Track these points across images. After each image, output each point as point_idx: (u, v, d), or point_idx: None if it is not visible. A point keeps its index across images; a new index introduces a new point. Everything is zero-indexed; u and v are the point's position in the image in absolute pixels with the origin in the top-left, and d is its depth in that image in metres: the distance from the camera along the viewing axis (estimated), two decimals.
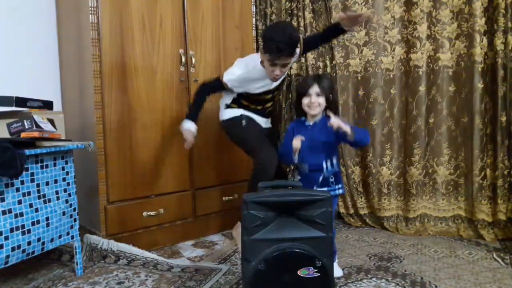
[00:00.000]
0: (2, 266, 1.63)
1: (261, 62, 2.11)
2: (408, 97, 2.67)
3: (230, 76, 2.16)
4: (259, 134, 2.22)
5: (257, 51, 2.98)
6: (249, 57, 2.32)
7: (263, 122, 2.38)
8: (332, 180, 1.93)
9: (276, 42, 1.89)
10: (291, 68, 2.96)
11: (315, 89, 1.91)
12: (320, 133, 1.92)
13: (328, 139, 1.91)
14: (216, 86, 2.21)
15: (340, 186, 1.96)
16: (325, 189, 1.90)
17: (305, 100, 1.92)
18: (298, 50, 2.02)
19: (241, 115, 2.25)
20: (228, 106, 2.29)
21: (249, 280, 1.46)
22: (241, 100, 2.26)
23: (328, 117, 1.84)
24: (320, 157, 1.91)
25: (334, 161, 1.94)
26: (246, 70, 2.15)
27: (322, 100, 1.91)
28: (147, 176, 2.39)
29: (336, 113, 1.94)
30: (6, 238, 1.64)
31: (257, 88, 2.20)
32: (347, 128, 1.78)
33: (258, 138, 2.17)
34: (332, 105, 1.96)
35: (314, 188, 1.91)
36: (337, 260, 2.02)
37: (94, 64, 2.20)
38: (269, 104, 2.35)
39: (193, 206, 2.60)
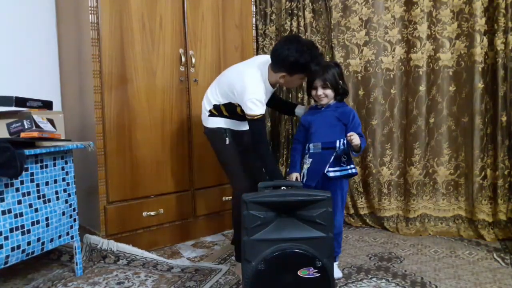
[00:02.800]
0: (2, 266, 1.63)
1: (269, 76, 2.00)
2: (408, 97, 2.67)
3: (258, 105, 1.88)
4: (239, 155, 2.05)
5: (257, 51, 2.98)
6: (253, 72, 1.97)
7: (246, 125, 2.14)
8: (344, 159, 1.96)
9: (315, 65, 1.88)
10: None
11: (319, 82, 1.97)
12: (332, 116, 2.00)
13: (338, 123, 1.99)
14: (263, 125, 1.98)
15: (352, 166, 1.99)
16: (337, 168, 1.94)
17: (313, 93, 2.02)
18: None
19: (225, 129, 2.05)
20: (210, 113, 2.08)
21: (249, 281, 1.45)
22: (221, 108, 2.06)
23: (340, 102, 2.03)
24: (333, 135, 1.98)
25: (345, 140, 1.96)
26: (259, 85, 1.93)
27: (328, 91, 1.98)
28: (147, 176, 2.39)
29: (343, 96, 2.04)
30: (6, 238, 1.64)
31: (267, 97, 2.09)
32: (357, 143, 1.86)
33: (238, 162, 2.03)
34: (341, 91, 2.02)
35: (327, 168, 1.95)
36: (338, 261, 2.02)
37: (94, 64, 2.20)
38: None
39: (193, 206, 2.60)
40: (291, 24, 2.95)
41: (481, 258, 2.14)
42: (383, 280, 1.90)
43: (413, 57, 2.62)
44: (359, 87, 2.80)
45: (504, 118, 2.39)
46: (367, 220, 2.80)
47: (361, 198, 2.83)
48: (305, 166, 2.03)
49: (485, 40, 2.42)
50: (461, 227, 2.55)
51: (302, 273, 1.45)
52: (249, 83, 1.89)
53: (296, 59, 1.85)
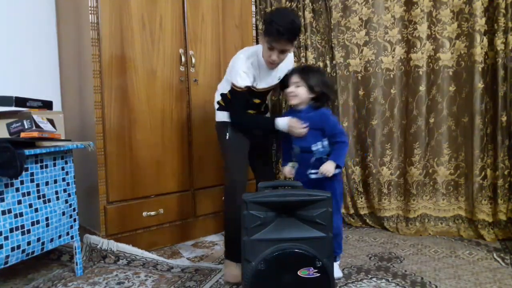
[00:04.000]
0: (2, 266, 1.63)
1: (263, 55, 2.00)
2: (408, 97, 2.67)
3: (238, 75, 1.96)
4: (239, 150, 2.07)
5: None
6: (244, 49, 2.11)
7: None
8: (325, 161, 1.89)
9: (277, 25, 1.82)
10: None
11: (294, 79, 1.92)
12: (305, 121, 1.92)
13: (312, 127, 1.92)
14: (238, 97, 2.01)
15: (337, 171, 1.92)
16: (317, 170, 1.88)
17: (286, 91, 1.98)
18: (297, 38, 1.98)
19: (227, 123, 2.08)
20: (219, 106, 2.15)
21: (249, 281, 1.45)
22: (227, 96, 2.09)
23: (314, 108, 1.93)
24: (307, 141, 1.92)
25: (325, 142, 1.91)
26: (246, 59, 1.98)
27: (301, 91, 1.90)
28: (147, 176, 2.39)
29: (322, 104, 1.95)
30: (6, 238, 1.64)
31: (258, 82, 2.05)
32: (330, 173, 1.83)
33: (235, 157, 2.05)
34: (322, 98, 1.94)
35: (309, 170, 1.92)
36: (339, 261, 2.02)
37: (94, 64, 2.20)
38: (253, 111, 2.16)
39: (193, 206, 2.60)
40: None
41: (481, 258, 2.14)
42: (383, 280, 1.90)
43: (413, 57, 2.62)
44: (359, 87, 2.80)
45: (504, 118, 2.39)
46: (367, 220, 2.80)
47: (361, 198, 2.83)
48: (295, 167, 2.05)
49: (485, 40, 2.42)
50: (461, 227, 2.55)
51: (302, 273, 1.45)
52: (236, 56, 2.04)
53: (266, 16, 1.88)
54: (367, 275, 1.97)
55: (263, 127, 2.13)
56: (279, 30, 1.82)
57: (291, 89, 1.93)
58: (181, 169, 2.54)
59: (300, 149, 1.96)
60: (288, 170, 2.07)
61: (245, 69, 1.96)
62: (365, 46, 2.74)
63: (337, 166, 1.86)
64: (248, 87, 2.01)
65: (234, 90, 1.99)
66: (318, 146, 1.92)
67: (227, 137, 2.07)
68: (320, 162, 1.89)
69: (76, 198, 2.01)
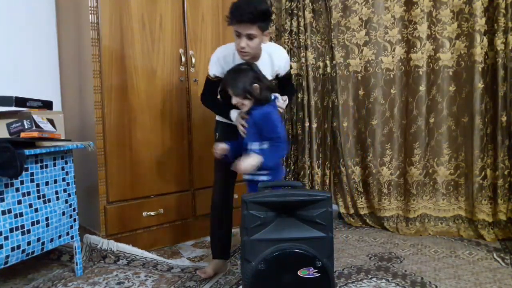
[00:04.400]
0: (2, 266, 1.63)
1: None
2: (408, 97, 2.67)
3: (211, 63, 1.99)
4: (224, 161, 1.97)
5: None
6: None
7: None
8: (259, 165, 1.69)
9: (237, 8, 1.78)
10: (291, 67, 2.95)
11: (230, 91, 1.78)
12: (250, 119, 1.79)
13: (252, 127, 1.78)
14: (208, 84, 2.04)
15: (264, 173, 1.72)
16: (247, 176, 1.74)
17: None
18: (265, 25, 1.83)
19: (218, 122, 2.09)
20: None
21: (249, 281, 1.45)
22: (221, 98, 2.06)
23: (249, 113, 1.78)
24: (247, 138, 1.80)
25: (265, 146, 1.72)
26: (224, 49, 1.98)
27: (241, 99, 1.74)
28: (147, 176, 2.39)
29: (266, 100, 1.76)
30: (6, 238, 1.64)
31: None
32: (243, 168, 1.66)
33: (222, 169, 1.99)
34: (257, 96, 1.74)
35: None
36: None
37: (93, 64, 2.20)
38: None
39: (193, 206, 2.60)
40: (291, 24, 2.95)
41: (481, 258, 2.14)
42: (383, 280, 1.90)
43: (413, 57, 2.62)
44: (359, 87, 2.80)
45: (504, 118, 2.39)
46: (367, 220, 2.80)
47: (361, 198, 2.83)
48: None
49: (485, 40, 2.42)
50: (461, 227, 2.55)
51: (302, 273, 1.45)
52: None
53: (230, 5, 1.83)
54: (367, 275, 1.97)
55: (223, 115, 2.05)
56: (239, 12, 1.76)
57: (234, 100, 1.77)
58: (181, 169, 2.54)
59: (244, 145, 1.82)
60: (221, 147, 1.86)
61: (215, 59, 1.97)
62: (365, 46, 2.74)
63: (263, 169, 1.67)
64: (219, 78, 1.96)
65: (207, 78, 2.02)
66: (253, 146, 1.75)
67: (216, 136, 2.08)
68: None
69: (76, 198, 2.01)
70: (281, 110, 1.92)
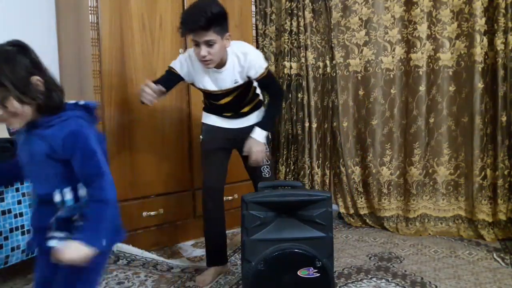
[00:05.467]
0: (2, 266, 1.63)
1: None
2: (408, 97, 2.67)
3: (179, 57, 1.93)
4: (212, 153, 1.99)
5: None
6: None
7: (233, 124, 2.00)
8: (78, 223, 1.07)
9: (188, 15, 1.70)
10: (290, 67, 2.96)
11: None
12: (39, 146, 1.04)
13: (51, 160, 1.05)
14: (164, 75, 1.94)
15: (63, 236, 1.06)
16: (63, 235, 1.07)
17: None
18: (222, 29, 1.72)
19: (203, 124, 2.04)
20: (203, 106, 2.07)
21: (249, 281, 1.45)
22: (204, 100, 2.02)
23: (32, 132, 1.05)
24: (47, 182, 1.08)
25: (81, 192, 1.10)
26: (193, 54, 1.83)
27: (10, 106, 0.99)
28: (147, 176, 2.39)
29: (49, 108, 1.04)
30: (6, 238, 1.64)
31: (200, 81, 1.90)
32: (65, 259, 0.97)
33: (208, 160, 1.99)
34: (43, 100, 1.02)
35: (49, 233, 1.07)
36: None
37: (93, 64, 2.20)
38: (228, 114, 1.99)
39: (193, 206, 2.59)
40: (291, 24, 2.95)
41: (481, 258, 2.14)
42: (383, 280, 1.90)
43: (413, 57, 2.62)
44: (359, 87, 2.80)
45: (504, 118, 2.39)
46: (367, 220, 2.80)
47: (361, 198, 2.83)
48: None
49: (485, 40, 2.42)
50: (461, 227, 2.55)
51: (302, 273, 1.45)
52: None
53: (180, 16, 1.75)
54: (367, 275, 1.97)
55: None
56: (191, 20, 1.67)
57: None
58: (181, 169, 2.54)
59: (38, 198, 1.11)
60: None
61: (184, 59, 1.89)
62: (365, 46, 2.74)
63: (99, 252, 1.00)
64: (177, 74, 1.90)
65: (167, 69, 1.94)
66: (64, 195, 1.07)
67: (200, 138, 2.03)
68: (67, 223, 1.07)
69: None
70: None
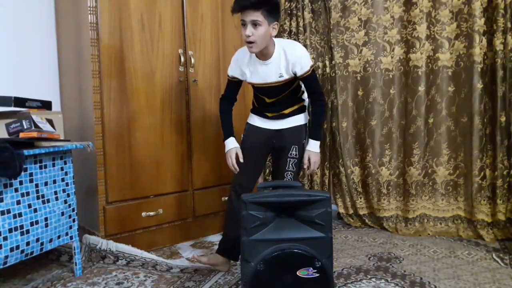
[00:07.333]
0: (1, 267, 1.63)
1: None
2: (407, 97, 2.67)
3: (230, 64, 2.05)
4: (247, 152, 2.03)
5: None
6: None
7: (273, 125, 2.06)
8: None
9: None
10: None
11: None
12: None
13: None
14: (228, 85, 2.10)
15: None
16: None
17: None
18: (271, 15, 1.80)
19: (247, 123, 2.13)
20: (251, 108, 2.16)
21: (248, 281, 1.45)
22: (253, 100, 2.13)
23: None
24: None
25: None
26: (243, 49, 1.98)
27: None
28: (146, 176, 2.39)
29: None
30: (5, 238, 1.64)
31: (247, 74, 1.98)
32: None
33: (244, 159, 2.01)
34: None
35: None
36: None
37: (93, 64, 2.20)
38: (271, 114, 2.04)
39: (192, 207, 2.60)
40: (290, 24, 2.95)
41: (480, 258, 2.15)
42: (382, 281, 1.90)
43: (412, 58, 2.62)
44: (358, 87, 2.80)
45: (503, 118, 2.39)
46: (366, 220, 2.80)
47: (360, 198, 2.83)
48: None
49: (484, 40, 2.42)
50: (460, 227, 2.55)
51: (301, 273, 1.45)
52: None
53: None
54: (366, 275, 1.97)
55: (224, 132, 2.07)
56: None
57: None
58: (180, 169, 2.54)
59: None
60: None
61: (234, 59, 2.02)
62: (364, 46, 2.74)
63: None
64: (236, 79, 2.04)
65: (227, 79, 2.08)
66: None
67: (242, 136, 2.11)
68: None
69: (75, 198, 2.01)
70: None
